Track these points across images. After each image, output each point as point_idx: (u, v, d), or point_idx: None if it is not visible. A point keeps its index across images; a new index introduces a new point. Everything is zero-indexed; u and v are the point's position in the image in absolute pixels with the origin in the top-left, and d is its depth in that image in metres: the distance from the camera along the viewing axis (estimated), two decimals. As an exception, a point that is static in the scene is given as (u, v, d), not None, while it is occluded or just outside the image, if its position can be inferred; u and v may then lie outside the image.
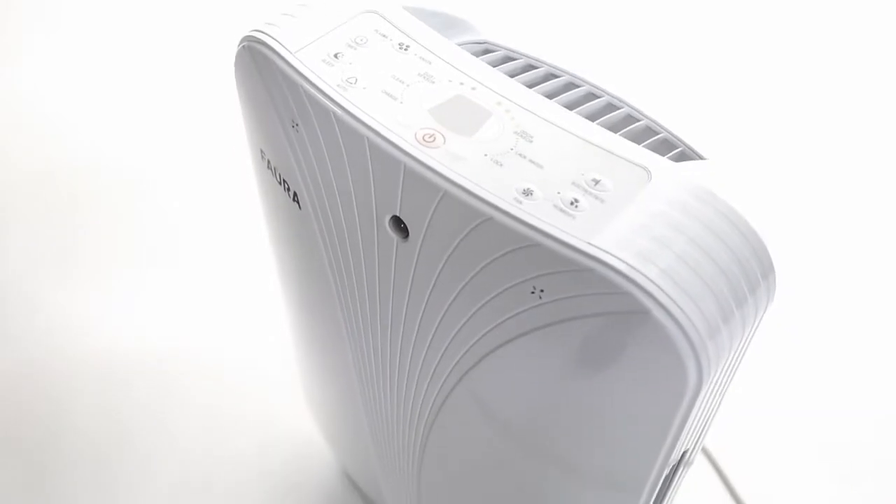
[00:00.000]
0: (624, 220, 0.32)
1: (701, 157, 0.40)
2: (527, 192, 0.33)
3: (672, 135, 0.42)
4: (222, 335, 0.83)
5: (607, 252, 0.31)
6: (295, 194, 0.41)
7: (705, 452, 0.73)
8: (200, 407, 0.77)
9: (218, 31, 0.90)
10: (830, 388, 0.82)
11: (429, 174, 0.34)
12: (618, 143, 0.35)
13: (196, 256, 0.91)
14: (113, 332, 0.83)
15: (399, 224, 0.36)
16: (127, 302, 0.86)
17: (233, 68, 0.42)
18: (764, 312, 0.36)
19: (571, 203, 0.33)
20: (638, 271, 0.31)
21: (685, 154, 0.41)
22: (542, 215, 0.32)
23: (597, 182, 0.33)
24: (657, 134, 0.42)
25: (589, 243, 0.31)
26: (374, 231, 0.38)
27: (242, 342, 0.82)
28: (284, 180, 0.41)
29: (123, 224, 0.94)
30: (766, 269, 0.35)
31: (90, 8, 1.21)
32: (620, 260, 0.31)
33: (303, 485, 0.71)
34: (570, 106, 0.40)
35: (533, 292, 0.33)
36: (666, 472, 0.38)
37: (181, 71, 1.12)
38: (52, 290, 0.86)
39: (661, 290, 0.31)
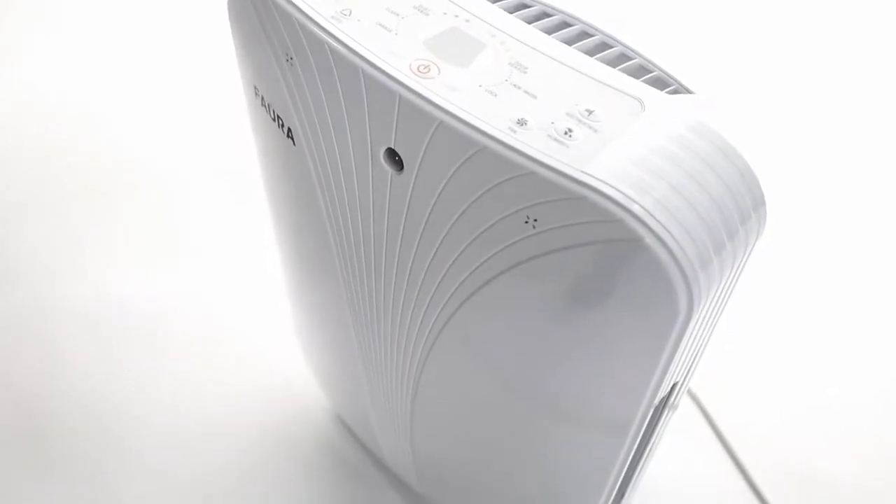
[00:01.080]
0: (617, 150, 0.32)
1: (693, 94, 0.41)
2: (521, 122, 0.33)
3: (665, 73, 0.42)
4: (215, 283, 0.83)
5: (600, 180, 0.31)
6: (289, 130, 0.41)
7: (691, 395, 0.74)
8: (194, 355, 0.77)
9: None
10: (819, 328, 0.83)
11: (424, 104, 0.34)
12: (612, 75, 0.36)
13: (188, 207, 0.91)
14: (105, 282, 0.83)
15: (393, 157, 0.36)
16: (121, 253, 0.86)
17: (226, 7, 0.42)
18: (754, 244, 0.36)
19: (565, 133, 0.33)
20: (631, 199, 0.31)
21: (678, 91, 0.41)
22: (535, 144, 0.32)
23: (590, 112, 0.34)
24: (650, 72, 0.42)
25: (582, 171, 0.31)
26: (369, 164, 0.38)
27: (236, 289, 0.83)
28: (278, 116, 0.41)
29: (123, 184, 0.94)
30: (757, 202, 0.35)
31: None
32: (613, 188, 0.31)
33: (297, 430, 0.72)
34: (565, 43, 0.40)
35: (527, 222, 0.33)
36: (656, 403, 0.39)
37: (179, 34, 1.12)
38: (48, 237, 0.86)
39: (654, 217, 0.31)
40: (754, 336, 0.81)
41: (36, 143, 0.98)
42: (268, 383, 0.75)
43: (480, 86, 0.34)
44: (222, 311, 0.81)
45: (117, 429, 0.72)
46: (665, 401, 0.42)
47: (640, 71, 0.42)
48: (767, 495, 0.69)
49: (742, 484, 0.70)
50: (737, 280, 0.37)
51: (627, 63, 0.42)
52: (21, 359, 0.76)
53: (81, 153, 0.97)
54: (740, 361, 0.78)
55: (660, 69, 0.43)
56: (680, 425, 0.72)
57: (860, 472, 0.72)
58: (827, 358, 0.81)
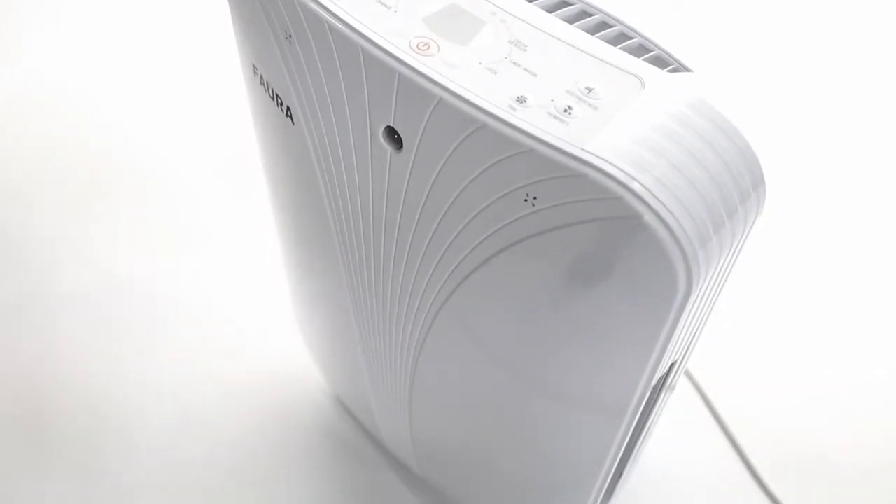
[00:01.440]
0: (617, 128, 0.32)
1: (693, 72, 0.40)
2: (521, 100, 0.33)
3: (665, 52, 0.42)
4: (216, 268, 0.83)
5: (600, 157, 0.31)
6: (288, 109, 0.41)
7: (689, 377, 0.75)
8: (193, 337, 0.77)
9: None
10: (818, 309, 0.83)
11: (423, 82, 0.34)
12: (612, 53, 0.35)
13: (189, 194, 0.91)
14: (106, 269, 0.83)
15: (393, 135, 0.36)
16: (122, 240, 0.86)
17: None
18: (753, 223, 0.36)
19: (565, 110, 0.33)
20: (631, 177, 0.31)
21: (678, 70, 0.41)
22: (535, 122, 0.32)
23: (590, 90, 0.34)
24: (650, 51, 0.42)
25: (582, 149, 0.31)
26: (368, 143, 0.38)
27: (236, 274, 0.83)
28: (277, 95, 0.41)
29: (124, 172, 0.94)
30: (756, 181, 0.35)
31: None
32: (613, 165, 0.31)
33: (296, 412, 0.72)
34: (565, 22, 0.40)
35: (526, 200, 0.33)
36: (654, 382, 0.39)
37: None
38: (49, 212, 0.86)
39: (654, 195, 0.31)
40: (752, 317, 0.81)
41: (38, 134, 0.97)
42: (267, 367, 0.75)
43: (480, 63, 0.34)
44: (223, 296, 0.81)
45: (118, 414, 0.72)
46: (663, 380, 0.43)
47: (640, 50, 0.42)
48: (764, 476, 0.69)
49: (739, 465, 0.71)
50: (736, 259, 0.37)
51: (627, 42, 0.42)
52: (21, 346, 0.77)
53: (83, 142, 0.97)
54: (738, 343, 0.78)
55: (659, 48, 0.43)
56: (678, 406, 0.72)
57: (858, 454, 0.72)
58: (825, 339, 0.81)
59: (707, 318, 0.41)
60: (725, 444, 0.72)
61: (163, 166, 0.94)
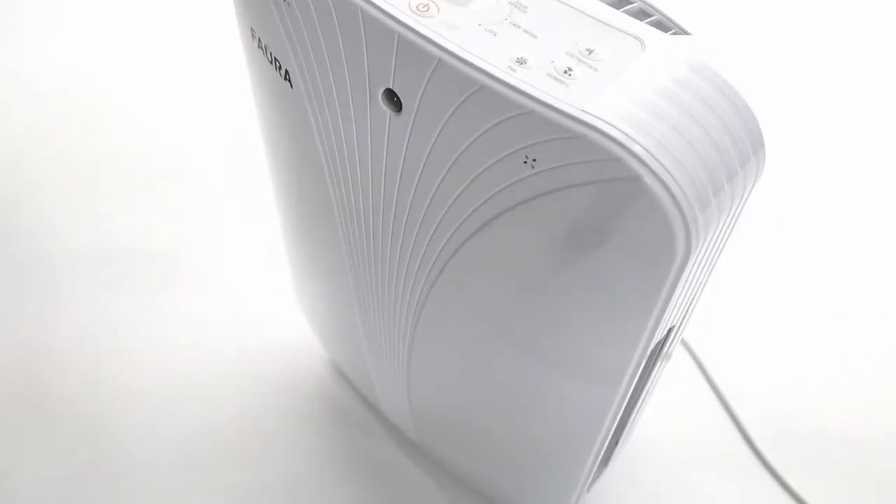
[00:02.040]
0: (617, 89, 0.32)
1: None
2: (520, 61, 0.33)
3: (665, 16, 0.42)
4: (215, 238, 0.83)
5: (600, 119, 0.31)
6: (286, 73, 0.41)
7: (686, 346, 0.75)
8: (192, 306, 0.77)
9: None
10: (816, 277, 0.83)
11: (423, 43, 0.33)
12: (612, 15, 0.35)
13: (190, 161, 0.91)
14: (107, 235, 0.83)
15: (392, 97, 0.36)
16: (123, 205, 0.86)
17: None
18: (752, 188, 0.36)
19: (565, 72, 0.33)
20: (630, 138, 0.31)
21: (678, 34, 0.41)
22: (535, 83, 0.32)
23: (590, 52, 0.33)
24: (651, 16, 0.42)
25: (582, 110, 0.31)
26: (367, 106, 0.37)
27: (234, 241, 0.83)
28: (276, 59, 0.41)
29: (126, 137, 0.94)
30: (756, 145, 0.35)
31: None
32: (613, 126, 0.31)
33: (295, 381, 0.73)
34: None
35: (525, 162, 0.33)
36: (652, 346, 0.39)
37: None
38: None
39: (654, 157, 0.31)
40: (750, 287, 0.81)
41: (39, 110, 0.97)
42: (267, 337, 0.75)
43: (480, 25, 0.34)
44: (224, 268, 0.81)
45: (117, 384, 0.72)
46: (661, 346, 0.43)
47: (641, 14, 0.42)
48: (760, 446, 0.70)
49: (735, 434, 0.71)
50: (734, 224, 0.37)
51: (628, 7, 0.42)
52: (21, 310, 0.77)
53: (85, 119, 0.96)
54: (736, 314, 0.78)
55: (660, 13, 0.42)
56: (675, 377, 0.73)
57: (854, 423, 0.73)
58: (824, 309, 0.81)
59: (705, 284, 0.41)
60: (722, 414, 0.72)
61: (165, 140, 0.93)
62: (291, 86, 0.41)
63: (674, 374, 0.73)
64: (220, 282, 0.79)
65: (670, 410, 0.71)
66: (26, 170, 0.89)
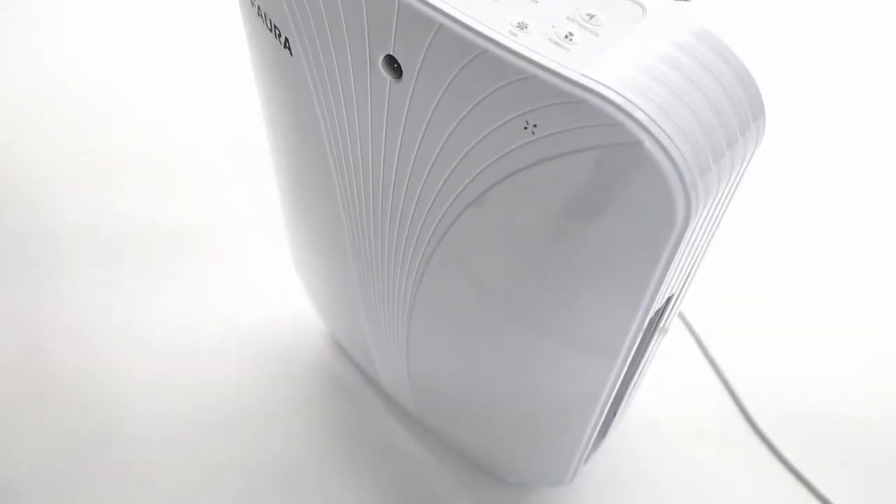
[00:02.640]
0: (618, 54, 0.32)
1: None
2: (521, 26, 0.33)
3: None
4: (215, 209, 0.83)
5: (601, 83, 0.31)
6: (286, 40, 0.41)
7: (684, 320, 0.75)
8: (190, 278, 0.77)
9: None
10: (816, 248, 0.83)
11: (423, 8, 0.33)
12: (614, -19, 0.35)
13: (189, 135, 0.91)
14: (105, 209, 0.83)
15: (392, 63, 0.36)
16: (122, 178, 0.86)
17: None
18: (752, 155, 0.36)
19: (566, 36, 0.33)
20: (632, 103, 0.31)
21: (679, 0, 0.41)
22: (536, 48, 0.32)
23: (591, 16, 0.33)
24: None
25: (583, 75, 0.31)
26: (367, 73, 0.37)
27: (232, 212, 0.83)
28: (275, 26, 0.41)
29: (125, 115, 0.93)
30: (757, 111, 0.35)
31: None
32: (614, 91, 0.31)
33: (292, 352, 0.73)
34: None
35: (526, 128, 0.33)
36: (651, 315, 0.39)
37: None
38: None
39: (655, 122, 0.31)
40: (749, 260, 0.81)
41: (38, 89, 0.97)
42: (266, 309, 0.75)
43: (480, -11, 0.34)
44: (222, 237, 0.81)
45: (115, 356, 0.72)
46: (661, 315, 0.43)
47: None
48: (758, 420, 0.70)
49: (732, 408, 0.71)
50: (734, 191, 0.38)
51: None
52: (19, 281, 0.77)
53: (87, 100, 0.96)
54: (734, 287, 0.78)
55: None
56: (673, 351, 0.73)
57: (853, 398, 0.73)
58: (824, 282, 0.81)
59: (704, 253, 0.41)
60: (720, 389, 0.72)
61: (165, 118, 0.93)
62: (291, 53, 0.41)
63: (672, 349, 0.73)
64: (219, 257, 0.80)
65: (668, 385, 0.72)
66: (26, 147, 0.89)
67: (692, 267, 0.41)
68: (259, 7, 0.41)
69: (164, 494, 0.64)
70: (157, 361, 0.72)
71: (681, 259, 0.36)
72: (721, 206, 0.37)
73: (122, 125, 0.92)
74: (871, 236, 0.85)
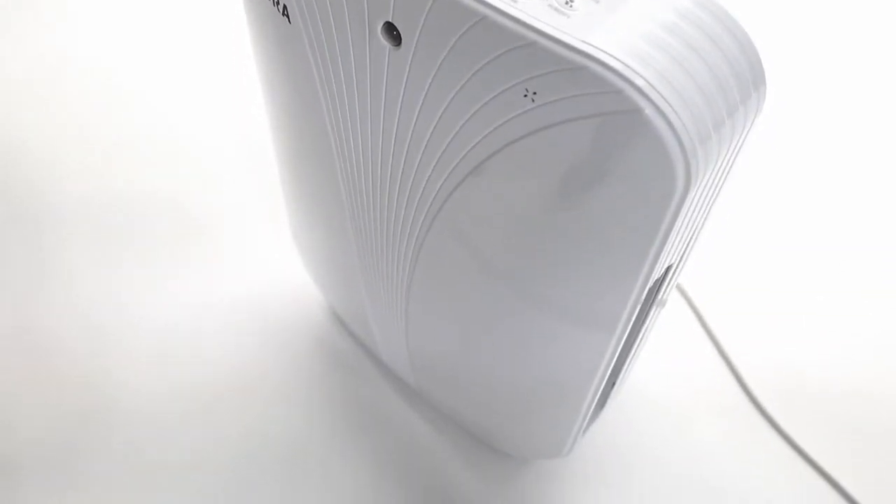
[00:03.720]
0: (619, 21, 0.32)
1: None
2: (522, -8, 0.32)
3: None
4: (210, 184, 0.83)
5: (601, 50, 0.31)
6: (284, 8, 0.40)
7: (682, 293, 0.75)
8: (189, 251, 0.77)
9: None
10: (816, 227, 0.83)
11: (423, -26, 0.33)
12: (615, -54, 0.35)
13: (187, 114, 0.90)
14: (102, 183, 0.83)
15: (391, 31, 0.36)
16: (119, 153, 0.86)
17: None
18: (752, 123, 0.36)
19: (566, 3, 0.32)
20: (632, 69, 0.31)
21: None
22: (536, 14, 0.32)
23: (593, -17, 0.33)
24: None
25: (583, 41, 0.31)
26: (366, 40, 0.37)
27: (231, 187, 0.82)
28: (273, -6, 0.41)
29: (123, 96, 0.93)
30: (758, 80, 0.35)
31: None
32: (614, 58, 0.31)
33: (292, 326, 0.73)
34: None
35: (526, 95, 0.33)
36: (650, 285, 0.39)
37: None
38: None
39: (655, 89, 0.31)
40: (749, 233, 0.81)
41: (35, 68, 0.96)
42: (265, 282, 0.75)
43: (480, -45, 0.34)
44: (221, 210, 0.81)
45: (114, 329, 0.72)
46: (660, 284, 0.43)
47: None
48: (756, 393, 0.71)
49: (731, 381, 0.72)
50: (734, 159, 0.37)
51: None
52: (17, 258, 0.77)
53: (88, 82, 0.95)
54: (734, 261, 0.78)
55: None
56: (672, 323, 0.73)
57: (851, 372, 0.73)
58: (824, 255, 0.81)
59: (704, 223, 0.41)
60: (719, 362, 0.73)
61: (164, 94, 0.93)
62: (290, 21, 0.41)
63: (673, 324, 0.73)
64: (217, 232, 0.80)
65: (668, 360, 0.72)
66: (26, 127, 0.89)
67: (691, 236, 0.41)
68: (257, -26, 0.41)
69: (163, 469, 0.65)
70: (155, 336, 0.72)
71: (680, 228, 0.36)
72: (721, 175, 0.37)
73: (121, 104, 0.91)
74: (876, 212, 0.85)
